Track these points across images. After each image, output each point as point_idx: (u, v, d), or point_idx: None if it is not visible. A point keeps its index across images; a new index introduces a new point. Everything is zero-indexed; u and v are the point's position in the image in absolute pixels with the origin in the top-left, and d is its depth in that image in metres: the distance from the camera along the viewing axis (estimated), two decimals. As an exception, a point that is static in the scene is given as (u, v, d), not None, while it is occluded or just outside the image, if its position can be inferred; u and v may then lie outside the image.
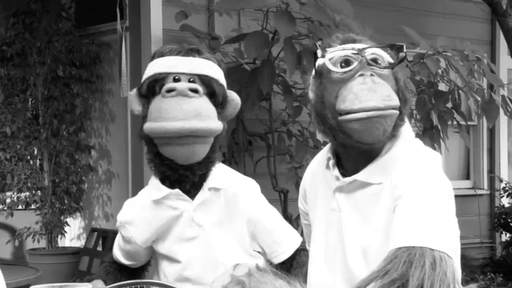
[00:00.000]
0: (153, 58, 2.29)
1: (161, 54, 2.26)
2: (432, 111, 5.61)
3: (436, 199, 1.71)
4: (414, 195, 1.72)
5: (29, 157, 6.17)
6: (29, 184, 6.07)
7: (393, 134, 1.83)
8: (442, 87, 5.80)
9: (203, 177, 2.25)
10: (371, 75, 1.80)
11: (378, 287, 1.57)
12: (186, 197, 2.25)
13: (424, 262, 1.59)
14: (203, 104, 2.18)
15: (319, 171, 1.97)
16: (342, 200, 1.88)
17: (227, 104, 2.26)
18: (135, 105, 2.29)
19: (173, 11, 5.11)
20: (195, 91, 2.17)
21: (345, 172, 1.88)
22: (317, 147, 5.24)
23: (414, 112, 5.54)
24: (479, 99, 5.53)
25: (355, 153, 1.85)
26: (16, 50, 6.01)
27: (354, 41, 1.88)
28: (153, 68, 2.26)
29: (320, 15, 4.68)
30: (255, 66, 5.06)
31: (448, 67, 5.48)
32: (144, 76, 2.28)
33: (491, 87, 6.19)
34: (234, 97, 2.28)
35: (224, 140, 5.71)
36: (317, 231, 1.97)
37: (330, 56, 1.86)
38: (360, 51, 1.83)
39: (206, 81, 2.21)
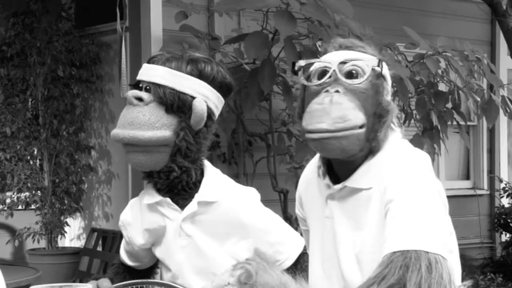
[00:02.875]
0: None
1: (148, 60, 2.27)
2: (432, 111, 5.61)
3: (427, 201, 1.70)
4: (405, 198, 1.70)
5: (29, 157, 6.17)
6: (29, 184, 6.06)
7: (372, 145, 1.80)
8: (442, 87, 5.80)
9: (193, 188, 2.20)
10: (337, 91, 1.77)
11: None
12: (175, 206, 2.22)
13: (420, 265, 1.59)
14: (144, 112, 2.13)
15: (312, 178, 1.96)
16: (334, 207, 1.86)
17: (191, 113, 2.16)
18: None
19: (173, 11, 5.11)
20: (139, 99, 2.15)
21: (337, 179, 1.86)
22: (317, 147, 5.24)
23: (414, 112, 5.54)
24: (478, 99, 5.54)
25: (339, 161, 1.84)
26: (16, 50, 6.01)
27: (349, 47, 1.84)
28: None
29: (320, 15, 4.68)
30: (255, 66, 5.06)
31: (448, 67, 5.48)
32: None
33: (491, 87, 6.19)
34: (198, 107, 2.15)
35: (224, 140, 5.72)
36: (314, 237, 1.96)
37: (312, 67, 1.84)
38: (333, 64, 1.80)
39: (157, 89, 2.16)
